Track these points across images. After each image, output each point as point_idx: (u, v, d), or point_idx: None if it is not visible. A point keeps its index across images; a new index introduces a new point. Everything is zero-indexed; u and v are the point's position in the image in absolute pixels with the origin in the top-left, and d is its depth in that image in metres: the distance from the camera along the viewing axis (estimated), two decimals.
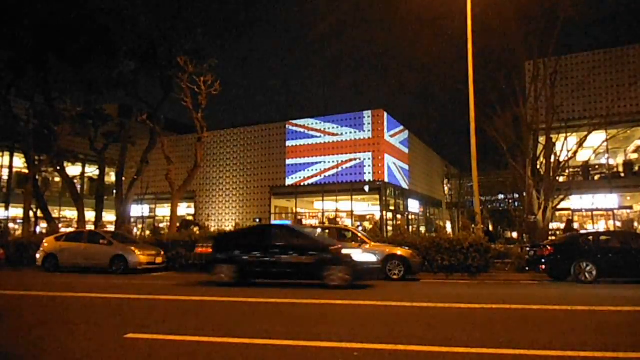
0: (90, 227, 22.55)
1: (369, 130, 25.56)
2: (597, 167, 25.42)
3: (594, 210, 24.15)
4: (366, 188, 25.03)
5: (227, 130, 29.99)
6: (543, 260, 12.41)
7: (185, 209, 30.43)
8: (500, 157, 21.75)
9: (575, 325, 5.77)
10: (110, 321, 6.06)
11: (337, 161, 25.97)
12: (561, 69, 19.62)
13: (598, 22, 19.76)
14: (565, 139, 18.94)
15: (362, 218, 27.95)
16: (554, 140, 19.42)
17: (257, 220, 26.88)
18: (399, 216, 27.55)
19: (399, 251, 12.39)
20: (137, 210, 30.52)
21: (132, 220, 28.48)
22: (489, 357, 4.11)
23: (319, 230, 13.87)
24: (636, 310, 7.08)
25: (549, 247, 12.50)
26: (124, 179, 24.55)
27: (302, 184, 26.89)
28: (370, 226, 23.10)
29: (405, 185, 28.50)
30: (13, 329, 5.45)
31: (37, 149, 22.36)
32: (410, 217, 29.81)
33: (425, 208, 33.52)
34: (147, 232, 26.25)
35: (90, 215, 24.92)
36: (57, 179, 28.57)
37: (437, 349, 4.35)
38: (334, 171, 25.98)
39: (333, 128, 26.45)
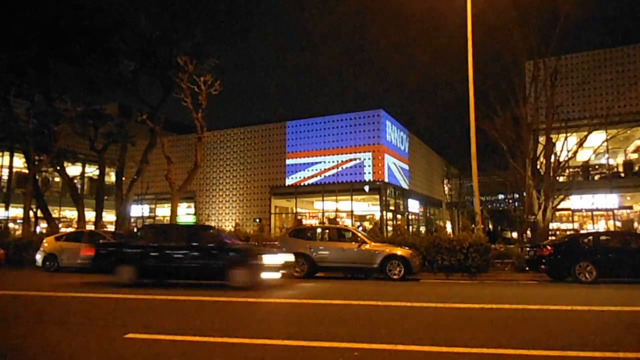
0: (90, 227, 22.54)
1: (369, 130, 25.55)
2: (597, 167, 25.39)
3: (594, 210, 24.13)
4: (366, 188, 25.01)
5: (227, 130, 29.95)
6: (543, 260, 12.40)
7: (185, 209, 30.43)
8: (500, 157, 21.73)
9: (575, 325, 5.77)
10: (111, 321, 6.07)
11: (337, 161, 25.97)
12: (561, 69, 19.59)
13: (598, 22, 19.80)
14: (565, 139, 18.92)
15: (362, 218, 27.94)
16: (554, 140, 19.40)
17: (257, 220, 26.86)
18: (399, 216, 27.54)
19: (399, 251, 12.38)
20: (137, 210, 30.52)
21: (132, 220, 28.49)
22: (489, 357, 4.12)
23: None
24: (636, 310, 7.08)
25: (549, 247, 12.49)
26: (124, 179, 24.53)
27: (302, 184, 26.88)
28: (370, 226, 23.08)
29: (405, 185, 28.50)
30: (13, 329, 5.45)
31: (37, 149, 22.32)
32: (410, 217, 29.79)
33: (425, 208, 33.51)
34: None
35: (90, 215, 24.89)
36: (57, 179, 28.54)
37: (437, 348, 4.35)
38: (334, 171, 25.97)
39: (333, 128, 26.45)
